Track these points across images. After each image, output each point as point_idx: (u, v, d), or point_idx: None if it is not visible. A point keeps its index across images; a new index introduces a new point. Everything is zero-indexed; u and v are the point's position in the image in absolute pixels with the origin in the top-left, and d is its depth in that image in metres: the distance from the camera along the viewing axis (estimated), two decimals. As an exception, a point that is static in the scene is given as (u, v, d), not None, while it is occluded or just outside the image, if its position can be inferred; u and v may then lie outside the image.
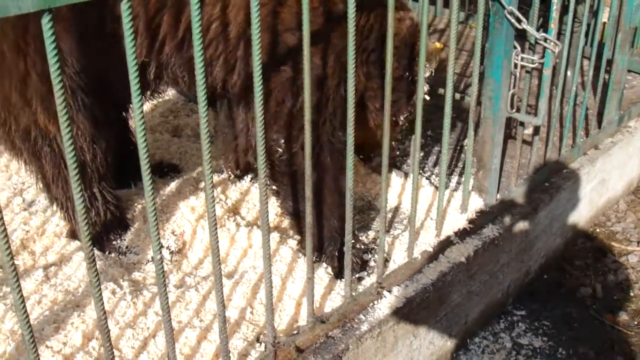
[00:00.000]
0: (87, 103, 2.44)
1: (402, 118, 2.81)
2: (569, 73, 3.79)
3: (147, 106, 3.89)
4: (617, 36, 3.57)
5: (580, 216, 3.69)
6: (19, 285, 1.44)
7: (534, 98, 3.32)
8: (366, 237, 2.93)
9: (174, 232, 2.91)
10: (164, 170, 3.29)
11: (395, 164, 3.41)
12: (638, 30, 4.65)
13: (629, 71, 4.43)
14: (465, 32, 5.20)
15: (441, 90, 3.11)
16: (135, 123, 1.55)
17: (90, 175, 2.59)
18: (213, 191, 1.78)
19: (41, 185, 2.69)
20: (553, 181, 3.36)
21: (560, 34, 3.35)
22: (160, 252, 1.74)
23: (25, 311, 1.48)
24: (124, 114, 2.96)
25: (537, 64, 2.72)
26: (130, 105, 2.73)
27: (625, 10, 3.51)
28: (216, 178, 3.23)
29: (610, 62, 3.70)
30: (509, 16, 2.58)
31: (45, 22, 1.29)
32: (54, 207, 2.75)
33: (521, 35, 2.69)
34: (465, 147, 2.92)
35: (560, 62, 3.28)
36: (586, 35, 4.10)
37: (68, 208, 2.68)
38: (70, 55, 2.33)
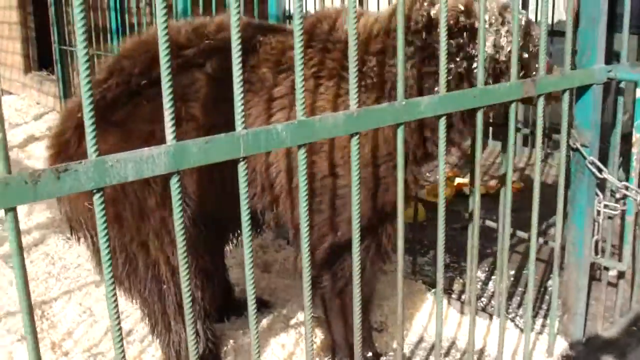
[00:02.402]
0: (202, 240, 2.60)
1: None
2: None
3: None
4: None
5: (671, 360, 3.59)
6: None
7: (617, 238, 3.35)
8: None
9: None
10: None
11: (481, 306, 3.45)
12: None
13: None
14: (545, 170, 5.29)
15: (522, 233, 3.18)
16: (245, 260, 1.65)
17: (197, 311, 2.70)
18: (312, 334, 1.87)
19: (144, 317, 2.80)
20: (640, 325, 3.32)
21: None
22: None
23: None
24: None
25: (619, 211, 2.78)
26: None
27: None
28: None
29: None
30: (590, 166, 2.67)
31: (174, 182, 1.45)
32: (154, 338, 2.86)
33: (603, 182, 2.77)
34: (550, 288, 2.95)
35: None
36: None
37: (169, 342, 2.79)
38: (193, 194, 2.52)
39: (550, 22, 4.97)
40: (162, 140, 1.42)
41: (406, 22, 2.33)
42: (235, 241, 3.01)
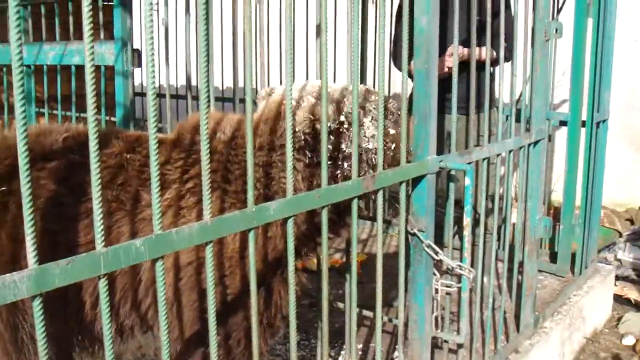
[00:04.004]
0: None
1: None
2: (485, 280, 4.10)
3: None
4: (524, 247, 3.94)
5: (508, 418, 3.86)
6: None
7: (455, 306, 3.58)
8: None
9: None
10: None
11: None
12: (542, 240, 5.14)
13: (540, 271, 4.82)
14: (387, 241, 5.56)
15: (368, 313, 3.35)
16: None
17: None
18: None
19: None
20: (479, 389, 3.56)
21: (474, 244, 3.69)
22: None
23: None
24: None
25: (455, 288, 3.00)
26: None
27: (529, 224, 3.90)
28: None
29: (522, 264, 4.03)
30: (426, 249, 2.88)
31: (36, 304, 1.46)
32: None
33: (440, 261, 2.99)
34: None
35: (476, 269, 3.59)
36: (498, 239, 4.47)
37: None
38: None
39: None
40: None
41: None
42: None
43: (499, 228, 4.40)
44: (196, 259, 2.52)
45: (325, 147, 2.23)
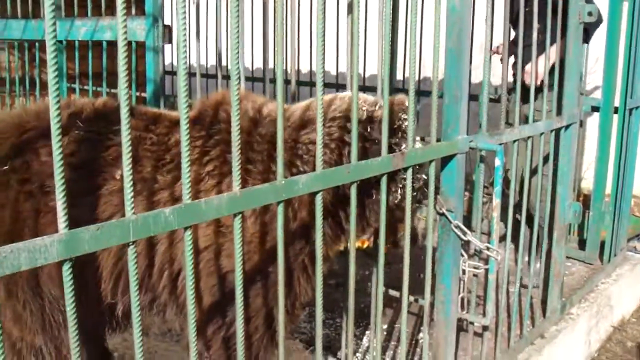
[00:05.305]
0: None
1: None
2: (512, 264, 4.08)
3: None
4: (552, 233, 3.91)
5: (532, 404, 3.84)
6: None
7: (482, 289, 3.57)
8: None
9: None
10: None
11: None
12: (571, 226, 5.09)
13: (568, 257, 4.78)
14: (416, 224, 5.53)
15: (394, 292, 3.34)
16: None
17: None
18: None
19: None
20: (504, 373, 3.54)
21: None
22: None
23: None
24: None
25: (482, 270, 2.98)
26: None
27: (558, 209, 3.86)
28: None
29: (550, 249, 4.00)
30: (455, 229, 2.87)
31: (66, 269, 1.47)
32: None
33: (468, 243, 2.97)
34: (422, 342, 3.11)
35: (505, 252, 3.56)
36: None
37: None
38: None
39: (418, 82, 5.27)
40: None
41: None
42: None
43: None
44: (214, 242, 2.51)
45: (356, 126, 2.22)
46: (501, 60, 3.23)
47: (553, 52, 4.00)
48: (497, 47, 4.80)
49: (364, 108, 2.62)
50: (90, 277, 2.49)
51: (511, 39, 4.06)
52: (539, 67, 3.99)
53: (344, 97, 2.69)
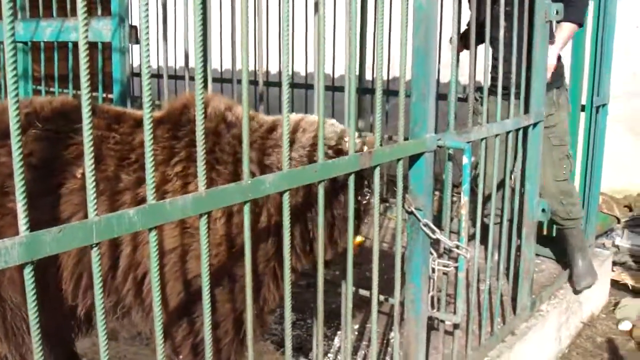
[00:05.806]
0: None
1: None
2: (481, 262, 4.09)
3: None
4: (521, 230, 3.93)
5: (503, 401, 3.86)
6: None
7: (452, 287, 3.58)
8: None
9: None
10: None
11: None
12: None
13: (537, 255, 4.81)
14: (385, 224, 5.55)
15: (364, 292, 3.34)
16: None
17: None
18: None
19: None
20: (475, 371, 3.55)
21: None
22: None
23: None
24: None
25: (452, 268, 2.99)
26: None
27: (527, 207, 3.89)
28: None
29: (519, 247, 4.02)
30: (424, 228, 2.87)
31: (27, 272, 1.44)
32: None
33: (437, 242, 2.97)
34: (392, 341, 3.10)
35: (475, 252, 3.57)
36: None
37: None
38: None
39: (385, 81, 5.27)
40: None
41: None
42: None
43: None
44: (181, 244, 2.48)
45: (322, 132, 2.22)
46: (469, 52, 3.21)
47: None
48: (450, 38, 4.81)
49: (331, 143, 2.63)
50: (51, 279, 2.45)
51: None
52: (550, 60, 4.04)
53: (313, 122, 2.68)
